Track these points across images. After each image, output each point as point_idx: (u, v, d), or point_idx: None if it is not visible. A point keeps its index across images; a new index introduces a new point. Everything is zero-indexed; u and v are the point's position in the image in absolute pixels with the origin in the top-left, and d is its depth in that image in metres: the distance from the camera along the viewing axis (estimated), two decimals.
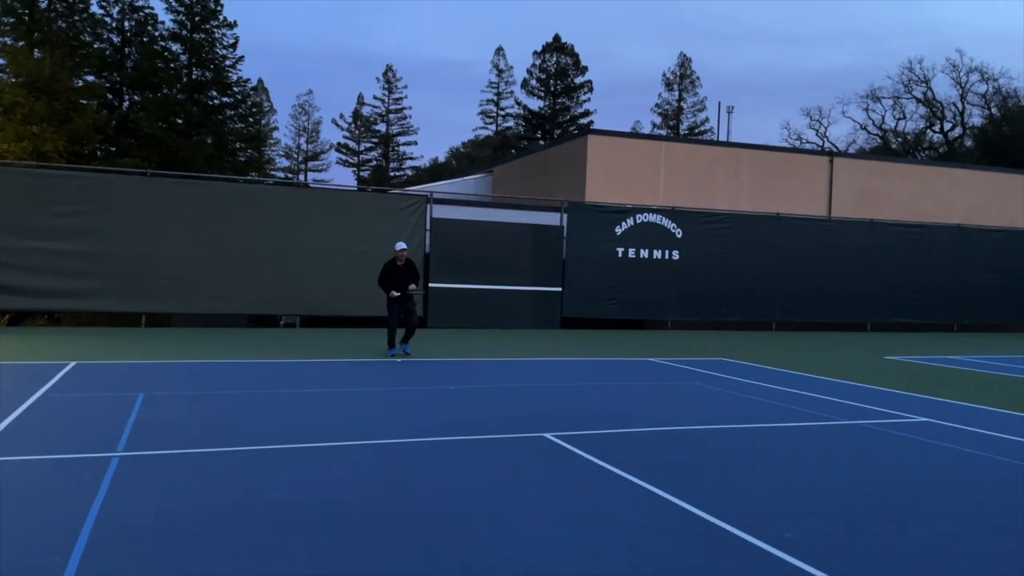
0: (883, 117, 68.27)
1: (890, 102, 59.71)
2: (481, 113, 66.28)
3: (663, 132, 60.88)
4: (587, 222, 19.08)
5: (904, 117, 59.47)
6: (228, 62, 41.06)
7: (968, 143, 54.99)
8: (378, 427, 6.64)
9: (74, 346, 12.10)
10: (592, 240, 19.00)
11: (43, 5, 33.61)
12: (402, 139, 67.84)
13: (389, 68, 67.58)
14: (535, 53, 61.93)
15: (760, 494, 4.87)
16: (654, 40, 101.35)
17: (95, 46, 36.72)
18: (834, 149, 54.87)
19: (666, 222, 19.72)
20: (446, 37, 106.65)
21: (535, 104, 62.35)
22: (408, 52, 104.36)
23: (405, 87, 75.86)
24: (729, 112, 41.03)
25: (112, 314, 16.98)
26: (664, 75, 65.29)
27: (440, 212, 18.53)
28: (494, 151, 61.34)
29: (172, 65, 39.38)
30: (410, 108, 72.34)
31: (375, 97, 68.32)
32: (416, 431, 6.47)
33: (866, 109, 66.83)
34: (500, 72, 64.80)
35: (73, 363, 9.98)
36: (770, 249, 20.64)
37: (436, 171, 65.67)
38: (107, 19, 37.65)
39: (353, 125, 68.40)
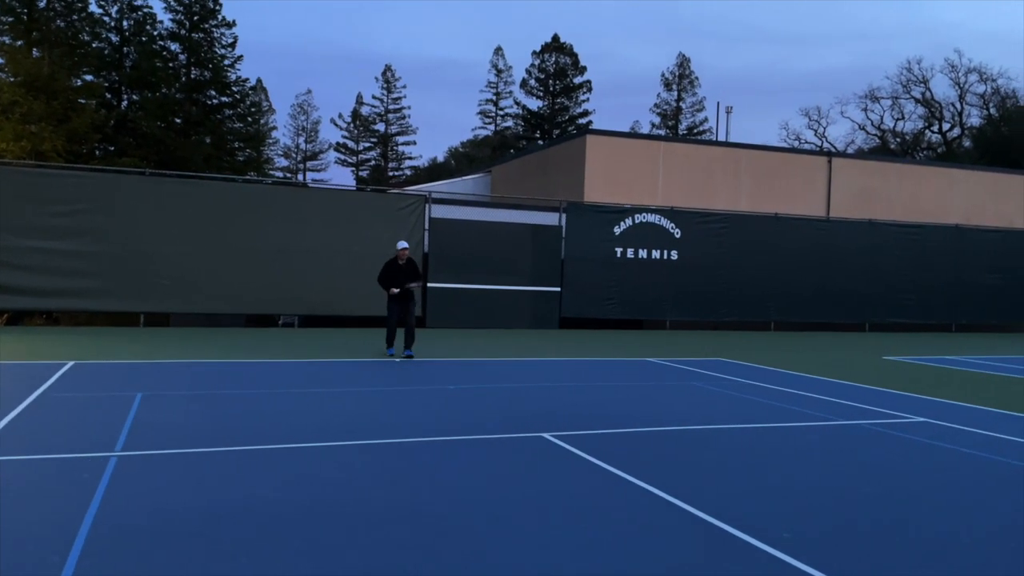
0: (882, 117, 68.32)
1: (889, 102, 59.82)
2: (480, 113, 66.31)
3: (662, 132, 60.88)
4: (586, 222, 19.09)
5: (903, 117, 59.58)
6: (227, 61, 41.02)
7: (966, 143, 55.03)
8: (377, 427, 6.64)
9: (72, 346, 12.09)
10: (591, 240, 19.00)
11: (42, 4, 33.58)
12: (401, 139, 67.88)
13: (388, 68, 67.66)
14: (534, 53, 61.94)
15: (758, 494, 4.87)
16: (653, 40, 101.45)
17: (94, 45, 36.69)
18: (833, 149, 54.93)
19: (665, 222, 19.73)
20: (445, 37, 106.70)
21: (534, 104, 62.42)
22: (407, 52, 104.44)
23: (404, 87, 75.76)
24: (728, 112, 41.13)
25: (110, 314, 16.97)
26: (663, 75, 65.42)
27: (439, 212, 18.53)
28: (493, 151, 61.33)
29: (171, 64, 39.33)
30: (409, 108, 72.48)
31: (374, 97, 68.37)
32: (415, 431, 6.47)
33: (864, 109, 66.79)
34: (499, 72, 64.84)
35: (71, 363, 9.97)
36: (768, 249, 20.65)
37: (435, 171, 65.64)
38: (106, 18, 37.63)
39: (352, 125, 68.43)
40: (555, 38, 61.48)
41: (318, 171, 69.72)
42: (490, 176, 32.67)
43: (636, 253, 19.42)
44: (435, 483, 4.90)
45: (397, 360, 11.36)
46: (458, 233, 17.97)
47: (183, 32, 39.87)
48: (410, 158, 69.46)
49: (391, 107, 67.39)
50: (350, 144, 68.28)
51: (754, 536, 4.04)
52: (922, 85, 55.95)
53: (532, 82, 61.81)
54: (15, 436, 5.84)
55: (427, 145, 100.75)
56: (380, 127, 68.03)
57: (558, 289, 18.69)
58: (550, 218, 19.49)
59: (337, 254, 16.85)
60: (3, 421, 6.31)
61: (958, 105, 55.77)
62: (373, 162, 68.55)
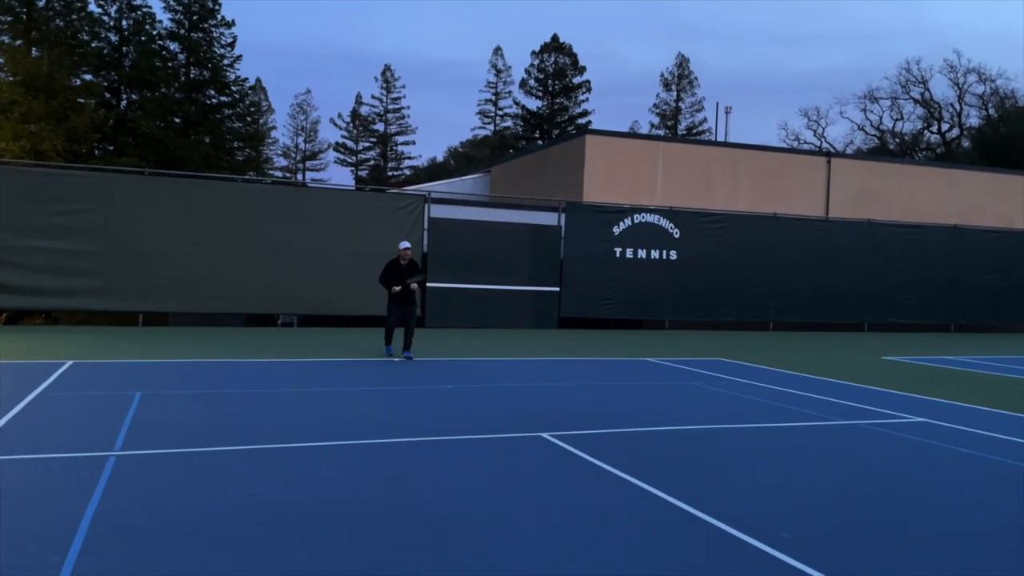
0: (881, 118, 68.28)
1: (888, 103, 59.92)
2: (479, 113, 66.29)
3: (661, 132, 60.91)
4: (585, 222, 19.09)
5: (902, 118, 59.67)
6: (226, 61, 41.03)
7: (965, 144, 55.07)
8: (377, 427, 6.64)
9: (71, 345, 12.08)
10: (590, 240, 19.01)
11: (41, 4, 33.58)
12: (400, 139, 67.87)
13: (387, 68, 67.66)
14: (533, 53, 61.96)
15: (758, 494, 4.87)
16: (652, 40, 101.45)
17: (93, 45, 36.69)
18: (832, 149, 54.94)
19: (664, 222, 19.73)
20: (444, 37, 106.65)
21: (533, 104, 62.43)
22: (406, 52, 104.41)
23: (403, 87, 75.83)
24: (727, 112, 41.12)
25: (109, 313, 16.94)
26: (662, 75, 65.46)
27: (438, 212, 18.53)
28: (492, 151, 61.33)
29: (170, 64, 39.33)
30: (408, 108, 72.45)
31: (373, 97, 68.34)
32: (414, 431, 6.47)
33: (864, 110, 66.96)
34: (498, 72, 64.84)
35: (70, 362, 9.96)
36: (767, 249, 20.66)
37: (434, 171, 65.63)
38: (105, 18, 37.63)
39: (351, 124, 68.41)
40: (554, 38, 61.52)
41: (317, 171, 69.78)
42: (489, 176, 32.67)
43: (635, 253, 19.42)
44: (435, 483, 4.90)
45: (396, 360, 11.35)
46: (457, 233, 17.97)
47: (182, 32, 39.87)
48: (409, 158, 69.53)
49: (390, 107, 67.42)
50: (349, 144, 68.32)
51: (754, 536, 4.04)
52: (921, 85, 56.05)
53: (531, 82, 61.85)
54: (14, 436, 5.84)
55: (426, 145, 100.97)
56: (379, 127, 68.07)
57: (557, 289, 18.69)
58: (549, 218, 19.49)
59: (336, 254, 16.85)
60: (2, 421, 6.31)
61: (957, 105, 55.89)
62: (372, 162, 68.56)
